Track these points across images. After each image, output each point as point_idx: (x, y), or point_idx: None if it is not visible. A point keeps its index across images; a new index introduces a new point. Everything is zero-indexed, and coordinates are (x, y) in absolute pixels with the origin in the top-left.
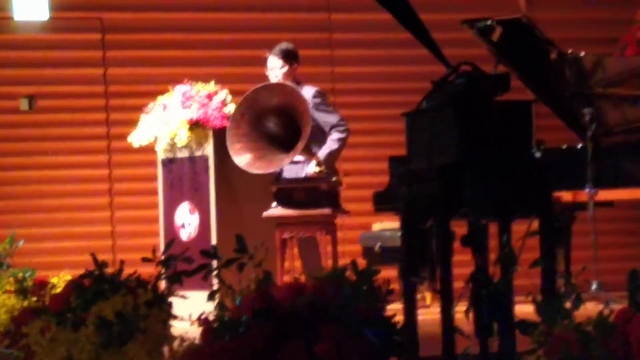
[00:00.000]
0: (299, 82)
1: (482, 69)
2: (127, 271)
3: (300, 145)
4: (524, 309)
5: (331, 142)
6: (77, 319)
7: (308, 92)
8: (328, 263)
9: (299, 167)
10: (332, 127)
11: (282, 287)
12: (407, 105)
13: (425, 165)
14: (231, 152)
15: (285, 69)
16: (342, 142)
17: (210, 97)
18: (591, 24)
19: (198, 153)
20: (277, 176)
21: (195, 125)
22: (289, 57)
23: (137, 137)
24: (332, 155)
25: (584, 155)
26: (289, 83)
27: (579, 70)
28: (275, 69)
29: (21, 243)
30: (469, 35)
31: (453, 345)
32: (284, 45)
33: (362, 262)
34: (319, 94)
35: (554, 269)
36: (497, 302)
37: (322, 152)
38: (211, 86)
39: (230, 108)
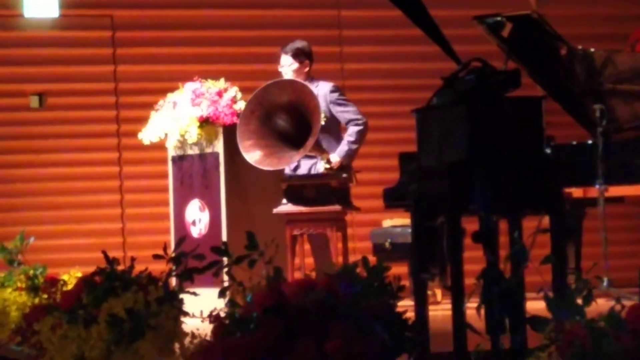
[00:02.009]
0: (313, 79)
1: (493, 65)
2: (138, 268)
3: (311, 142)
4: (535, 306)
5: (348, 139)
6: (88, 316)
7: (324, 87)
8: (338, 260)
9: (312, 162)
10: (350, 121)
11: (292, 284)
12: (417, 101)
13: (436, 162)
14: (241, 149)
15: (295, 66)
16: (360, 136)
17: (220, 94)
18: (601, 20)
19: (208, 150)
20: (294, 170)
21: (206, 123)
22: (298, 55)
23: (147, 135)
24: (350, 153)
25: (594, 152)
26: (299, 80)
27: (589, 66)
28: (286, 67)
29: (32, 240)
30: (480, 31)
31: (464, 342)
32: (296, 43)
33: (372, 259)
34: (335, 89)
35: (565, 265)
36: (508, 299)
37: (340, 151)
38: (221, 83)
39: (240, 105)
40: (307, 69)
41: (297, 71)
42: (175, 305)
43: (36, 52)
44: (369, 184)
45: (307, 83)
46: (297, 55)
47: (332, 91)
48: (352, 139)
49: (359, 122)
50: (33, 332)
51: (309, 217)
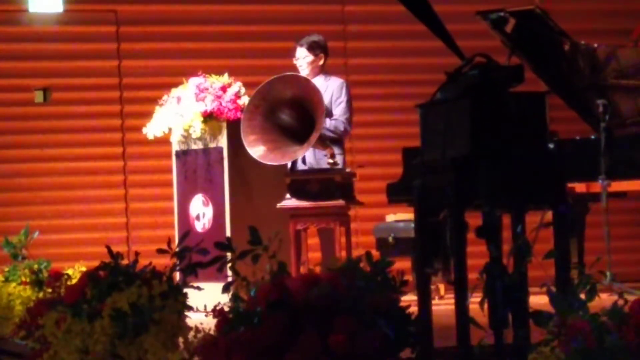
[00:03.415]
0: (326, 73)
1: (496, 60)
2: (142, 262)
3: (314, 136)
4: (538, 300)
5: (327, 125)
6: (92, 311)
7: (335, 82)
8: (342, 254)
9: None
10: (337, 117)
11: (296, 279)
12: (421, 96)
13: (439, 157)
14: (245, 144)
15: (310, 58)
16: (336, 132)
17: (224, 89)
18: (604, 15)
19: (212, 145)
20: (292, 167)
21: (209, 117)
22: (314, 47)
23: (151, 129)
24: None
25: (597, 147)
26: (313, 73)
27: (592, 61)
28: (301, 59)
29: (36, 235)
30: (483, 26)
31: (468, 336)
32: (312, 36)
33: (375, 254)
34: (344, 85)
35: (568, 260)
36: (511, 293)
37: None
38: (225, 78)
39: (244, 100)
40: (322, 62)
41: (312, 64)
42: (179, 299)
43: (40, 47)
44: (373, 179)
45: (320, 77)
46: (313, 47)
47: (340, 87)
48: (330, 128)
49: (346, 125)
50: (37, 326)
51: (312, 211)
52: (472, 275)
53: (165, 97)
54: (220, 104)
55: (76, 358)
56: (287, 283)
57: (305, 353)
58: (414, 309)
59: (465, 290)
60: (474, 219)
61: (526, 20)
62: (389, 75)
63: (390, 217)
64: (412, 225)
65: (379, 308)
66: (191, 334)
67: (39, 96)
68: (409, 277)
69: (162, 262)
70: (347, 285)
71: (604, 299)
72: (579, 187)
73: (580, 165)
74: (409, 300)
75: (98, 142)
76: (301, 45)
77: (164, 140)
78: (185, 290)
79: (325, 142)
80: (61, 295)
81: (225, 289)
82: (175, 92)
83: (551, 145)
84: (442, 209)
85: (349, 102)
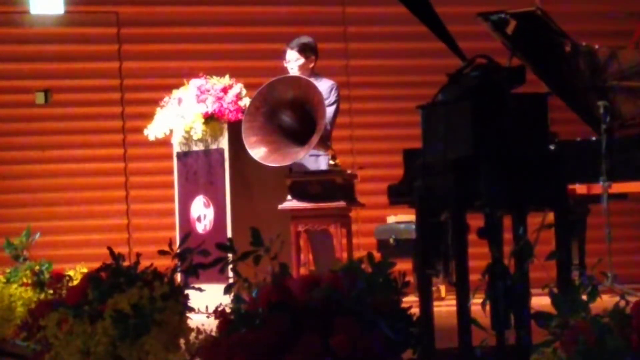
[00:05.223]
0: (317, 75)
1: (498, 61)
2: (144, 264)
3: (315, 138)
4: (540, 301)
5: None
6: (93, 312)
7: (324, 84)
8: (343, 256)
9: (317, 159)
10: None
11: (297, 280)
12: (422, 98)
13: (440, 158)
14: (246, 145)
15: (301, 61)
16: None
17: (225, 90)
18: (605, 17)
19: (213, 146)
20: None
21: (211, 119)
22: (304, 50)
23: (152, 131)
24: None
25: (598, 148)
26: (304, 76)
27: (593, 62)
28: (292, 62)
29: (37, 236)
30: (484, 28)
31: (469, 338)
32: (302, 38)
33: (376, 255)
34: (332, 88)
35: (569, 261)
36: (513, 295)
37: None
38: (226, 80)
39: (245, 101)
40: (312, 65)
41: (302, 66)
42: (181, 300)
43: (42, 49)
44: (374, 180)
45: (311, 79)
46: (303, 50)
47: (330, 88)
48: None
49: (326, 124)
50: (39, 327)
51: (313, 213)
52: (474, 277)
53: (166, 99)
54: (222, 106)
55: (77, 359)
56: (289, 284)
57: (306, 354)
58: (415, 310)
59: (466, 292)
60: (475, 220)
61: (527, 21)
62: (390, 77)
63: (391, 219)
64: (413, 226)
65: (380, 309)
66: (192, 335)
67: (39, 98)
68: (410, 279)
69: (164, 263)
70: (349, 287)
71: (606, 301)
72: (580, 188)
73: (581, 166)
74: (410, 301)
75: (99, 143)
76: (292, 48)
77: (165, 142)
78: (186, 291)
79: (326, 143)
80: (62, 296)
81: (227, 290)
82: (176, 93)
83: (552, 147)
84: (443, 211)
85: (337, 103)
